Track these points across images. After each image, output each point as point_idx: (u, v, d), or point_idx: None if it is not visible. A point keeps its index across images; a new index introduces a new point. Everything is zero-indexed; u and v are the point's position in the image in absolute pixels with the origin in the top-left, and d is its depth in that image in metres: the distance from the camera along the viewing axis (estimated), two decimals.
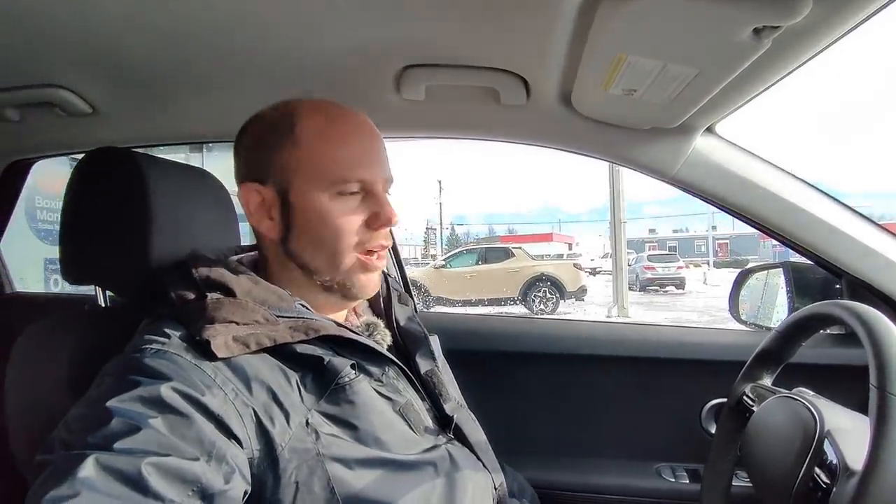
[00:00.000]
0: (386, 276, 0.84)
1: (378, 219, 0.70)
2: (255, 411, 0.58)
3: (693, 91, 0.75)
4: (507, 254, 12.35)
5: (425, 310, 1.25)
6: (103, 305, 0.83)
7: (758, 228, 1.00)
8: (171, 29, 0.79)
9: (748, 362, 0.85)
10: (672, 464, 1.11)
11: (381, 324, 0.79)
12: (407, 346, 0.80)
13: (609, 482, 1.10)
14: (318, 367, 0.64)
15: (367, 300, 0.83)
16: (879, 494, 0.51)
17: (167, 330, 0.62)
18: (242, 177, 0.72)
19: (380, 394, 0.68)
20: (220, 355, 0.58)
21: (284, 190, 0.69)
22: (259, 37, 0.82)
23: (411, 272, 13.51)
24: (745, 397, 0.83)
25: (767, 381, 0.85)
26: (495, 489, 0.74)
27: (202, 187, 0.86)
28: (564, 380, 1.20)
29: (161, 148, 1.28)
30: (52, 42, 0.87)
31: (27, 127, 1.12)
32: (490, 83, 0.88)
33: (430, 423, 0.72)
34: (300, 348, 0.64)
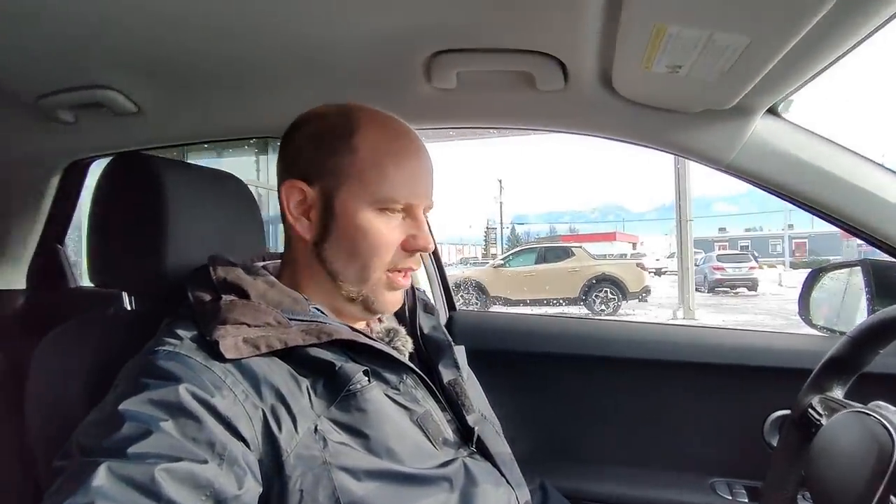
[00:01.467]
0: (413, 286, 0.83)
1: (414, 243, 0.70)
2: (264, 413, 0.58)
3: (746, 64, 0.66)
4: (567, 253, 12.11)
5: (476, 309, 1.20)
6: (128, 309, 0.84)
7: (832, 222, 0.88)
8: (208, 28, 0.80)
9: (816, 371, 0.76)
10: (729, 479, 1.02)
11: (402, 331, 0.78)
12: (430, 355, 0.78)
13: (658, 496, 1.02)
14: (329, 372, 0.63)
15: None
16: None
17: (180, 331, 0.62)
18: (287, 173, 0.71)
19: (396, 402, 0.66)
20: (228, 356, 0.58)
21: (330, 194, 0.69)
22: (291, 31, 0.81)
23: (470, 272, 13.50)
24: (811, 410, 0.74)
25: (838, 392, 0.75)
26: None
27: (225, 191, 0.86)
28: (612, 384, 1.13)
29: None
30: (99, 44, 0.90)
31: (81, 128, 1.16)
32: (525, 67, 0.83)
33: (450, 434, 0.70)
34: (313, 353, 0.63)
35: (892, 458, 0.55)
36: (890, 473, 0.55)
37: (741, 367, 1.04)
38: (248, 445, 0.55)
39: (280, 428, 0.57)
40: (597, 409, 1.14)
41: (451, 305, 1.26)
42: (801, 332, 1.11)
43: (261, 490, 0.55)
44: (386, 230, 0.69)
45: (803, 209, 0.89)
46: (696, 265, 13.66)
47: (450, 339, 0.80)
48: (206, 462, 0.51)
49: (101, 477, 0.47)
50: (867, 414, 0.63)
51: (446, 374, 0.75)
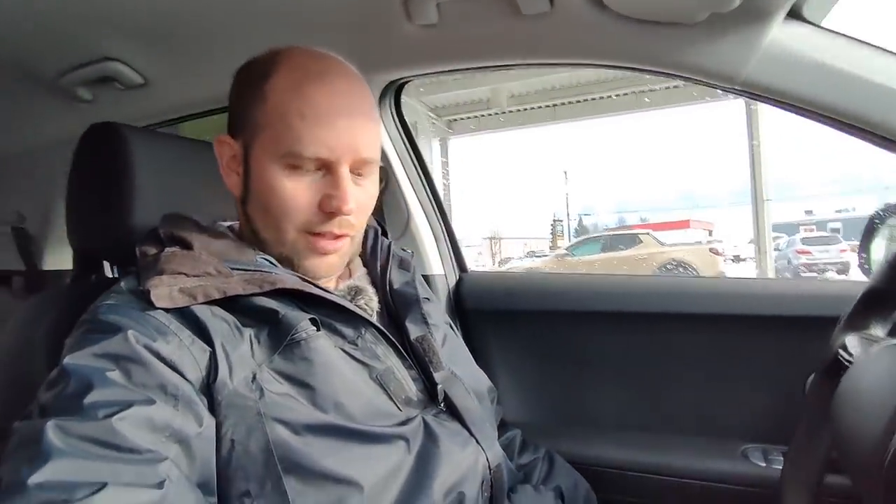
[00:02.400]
0: (390, 243, 0.82)
1: (328, 203, 0.64)
2: (210, 357, 0.57)
3: None
4: (634, 240, 11.67)
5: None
6: (110, 276, 0.86)
7: (872, 141, 0.76)
8: None
9: (852, 307, 0.65)
10: (764, 445, 0.90)
11: (369, 289, 0.75)
12: (398, 311, 0.75)
13: (683, 463, 0.92)
14: (273, 321, 0.60)
15: (364, 265, 0.79)
16: None
17: (123, 285, 0.62)
18: (227, 127, 0.70)
19: (354, 358, 0.64)
20: (159, 305, 0.57)
21: (248, 149, 0.66)
22: None
23: (531, 262, 13.34)
24: (841, 351, 0.63)
25: (878, 330, 0.63)
26: (489, 468, 0.67)
27: (201, 159, 0.85)
28: (633, 343, 1.04)
29: None
30: (102, 15, 0.93)
31: (98, 105, 1.21)
32: None
33: (413, 392, 0.67)
34: (258, 301, 0.61)
35: None
36: None
37: (778, 317, 0.92)
38: (195, 387, 0.55)
39: (216, 375, 0.56)
40: (616, 369, 1.05)
41: (461, 266, 1.20)
42: (853, 280, 0.97)
43: (209, 437, 0.54)
44: (295, 189, 0.64)
45: (835, 128, 0.76)
46: (777, 250, 12.79)
47: (421, 294, 0.77)
48: (158, 404, 0.51)
49: (53, 435, 0.46)
50: None
51: (413, 330, 0.72)
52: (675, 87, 8.77)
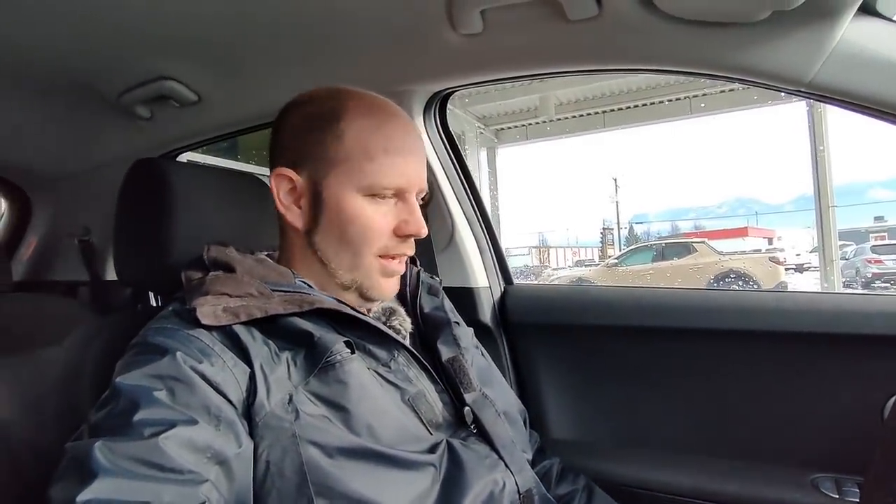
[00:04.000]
0: (419, 270, 0.85)
1: (406, 227, 0.70)
2: (249, 377, 0.59)
3: None
4: (687, 249, 11.25)
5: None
6: (154, 305, 0.89)
7: None
8: (247, 8, 0.84)
9: None
10: (837, 475, 0.83)
11: (401, 311, 0.78)
12: (429, 333, 0.78)
13: (746, 491, 0.85)
14: (309, 343, 0.63)
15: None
16: None
17: (171, 308, 0.65)
18: (276, 161, 0.72)
19: (387, 380, 0.66)
20: (204, 322, 0.59)
21: (318, 182, 0.69)
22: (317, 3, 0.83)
23: (580, 271, 13.09)
24: None
25: None
26: (519, 493, 0.68)
27: (240, 189, 0.90)
28: (689, 360, 0.98)
29: None
30: (158, 36, 0.97)
31: (156, 123, 1.26)
32: None
33: (444, 416, 0.69)
34: (295, 323, 0.63)
35: None
36: None
37: (852, 335, 0.84)
38: (237, 408, 0.57)
39: (255, 396, 0.58)
40: (668, 388, 0.99)
41: (507, 279, 1.17)
42: None
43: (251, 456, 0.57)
44: (376, 216, 0.69)
45: None
46: (845, 259, 12.06)
47: (451, 318, 0.80)
48: (201, 425, 0.53)
49: (101, 455, 0.49)
50: None
51: (445, 352, 0.74)
52: (731, 90, 8.46)
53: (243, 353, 0.60)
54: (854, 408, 0.83)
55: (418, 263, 0.86)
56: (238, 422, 0.56)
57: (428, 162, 1.12)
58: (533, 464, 0.80)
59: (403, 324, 0.76)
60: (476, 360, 0.81)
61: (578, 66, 0.86)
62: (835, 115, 8.32)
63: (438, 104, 1.10)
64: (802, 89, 0.72)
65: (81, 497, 0.46)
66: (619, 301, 1.07)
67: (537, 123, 11.05)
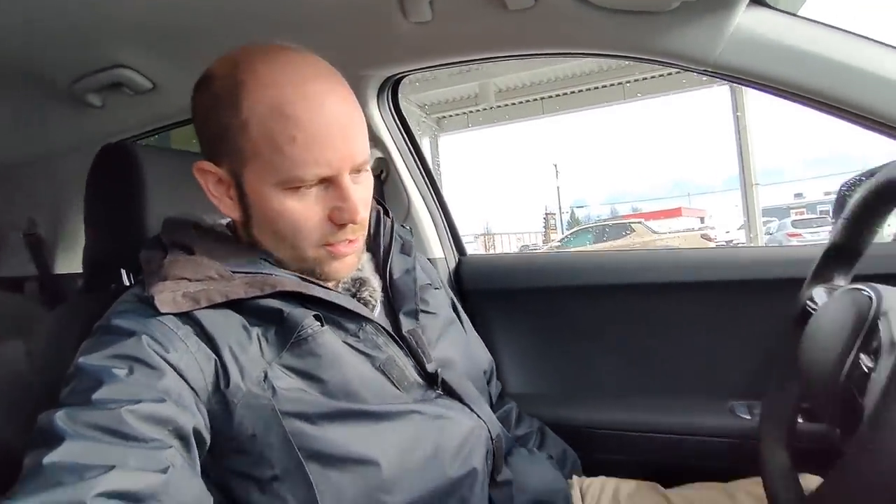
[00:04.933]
0: (393, 225, 0.82)
1: (340, 216, 0.63)
2: (216, 364, 0.59)
3: None
4: (626, 229, 11.76)
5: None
6: (127, 284, 0.92)
7: (834, 114, 0.82)
8: None
9: (817, 262, 0.72)
10: (750, 401, 0.97)
11: (371, 279, 0.75)
12: (395, 301, 0.76)
13: (675, 421, 0.99)
14: (278, 320, 0.62)
15: (368, 250, 0.79)
16: None
17: (133, 292, 0.64)
18: (201, 150, 0.67)
19: (357, 350, 0.66)
20: (163, 310, 0.58)
21: (238, 175, 0.64)
22: None
23: None
24: (808, 302, 0.70)
25: (842, 281, 0.70)
26: (491, 439, 0.72)
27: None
28: (623, 313, 1.11)
29: None
30: (114, 23, 0.98)
31: (108, 111, 1.26)
32: None
33: (415, 378, 0.70)
34: (261, 302, 0.62)
35: (868, 317, 0.52)
36: (864, 331, 0.51)
37: (758, 281, 0.99)
38: (198, 395, 0.57)
39: (228, 379, 0.58)
40: (609, 339, 1.12)
41: (460, 250, 1.27)
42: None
43: (209, 436, 0.57)
44: (302, 210, 0.63)
45: (801, 104, 0.83)
46: (769, 234, 12.91)
47: (421, 282, 0.79)
48: (162, 403, 0.53)
49: (63, 422, 0.49)
50: (857, 289, 0.59)
51: (405, 324, 0.73)
52: (660, 75, 8.85)
53: (208, 339, 0.59)
54: (761, 343, 0.97)
55: (390, 214, 0.83)
56: (196, 409, 0.56)
57: (383, 142, 1.19)
58: (495, 409, 0.85)
59: (374, 294, 0.74)
60: (449, 321, 0.82)
61: (518, 52, 0.95)
62: (758, 102, 8.87)
63: (391, 88, 1.17)
64: (709, 69, 0.84)
65: (48, 459, 0.46)
66: (560, 264, 1.20)
67: (478, 111, 11.18)
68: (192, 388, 0.56)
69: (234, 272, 0.63)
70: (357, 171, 0.64)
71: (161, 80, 1.16)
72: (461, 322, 0.88)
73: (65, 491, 0.45)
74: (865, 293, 0.55)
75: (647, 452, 0.99)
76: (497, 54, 0.98)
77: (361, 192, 0.65)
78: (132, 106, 1.24)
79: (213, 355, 0.58)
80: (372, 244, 0.79)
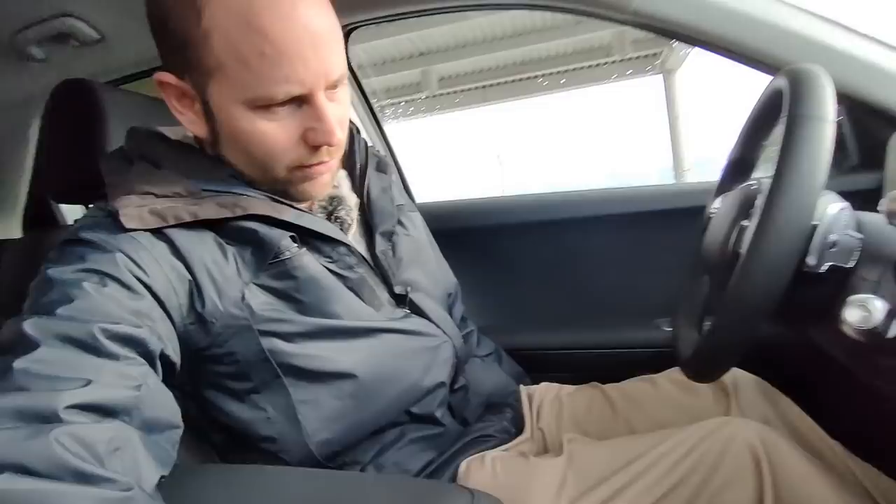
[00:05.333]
0: (367, 144, 0.82)
1: (314, 137, 0.60)
2: (190, 284, 0.58)
3: None
4: None
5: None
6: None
7: (739, 60, 0.95)
8: None
9: (719, 177, 0.83)
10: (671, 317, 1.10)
11: (347, 198, 0.74)
12: (372, 219, 0.76)
13: (608, 338, 1.12)
14: (254, 240, 0.61)
15: (343, 167, 0.79)
16: (786, 209, 0.51)
17: (98, 205, 0.62)
18: (161, 60, 0.63)
19: (331, 271, 0.66)
20: (129, 226, 0.56)
21: (201, 90, 0.60)
22: None
23: None
24: (711, 210, 0.81)
25: None
26: (456, 355, 0.78)
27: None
28: (561, 247, 1.24)
29: None
30: None
31: (51, 64, 1.23)
32: None
33: (385, 297, 0.72)
34: (235, 223, 0.61)
35: (753, 197, 0.62)
36: (747, 204, 0.62)
37: (676, 210, 1.13)
38: (171, 316, 0.56)
39: (205, 301, 0.58)
40: (547, 270, 1.25)
41: (410, 197, 1.34)
42: None
43: (177, 362, 0.57)
44: (273, 131, 0.59)
45: (709, 50, 0.95)
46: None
47: (397, 202, 0.81)
48: (136, 324, 0.52)
49: (34, 329, 0.47)
50: (749, 184, 0.70)
51: (379, 244, 0.74)
52: (597, 64, 9.12)
53: (182, 259, 0.58)
54: (682, 266, 1.10)
55: (362, 132, 0.83)
56: (162, 333, 0.55)
57: None
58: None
59: (350, 213, 0.73)
60: (421, 241, 0.84)
61: (462, 2, 1.03)
62: (686, 91, 9.31)
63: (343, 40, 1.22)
64: (629, 17, 0.95)
65: (19, 364, 0.45)
66: (503, 206, 1.32)
67: (421, 99, 11.18)
68: (167, 311, 0.56)
69: (203, 190, 0.62)
70: (332, 87, 0.61)
71: (109, 31, 1.15)
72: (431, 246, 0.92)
73: (36, 397, 0.44)
74: (753, 186, 0.66)
75: (588, 367, 1.09)
76: (443, 5, 1.05)
77: (338, 110, 0.61)
78: (77, 59, 1.22)
79: (188, 275, 0.58)
80: (347, 162, 0.78)
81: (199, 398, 0.64)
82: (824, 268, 0.54)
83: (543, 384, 0.96)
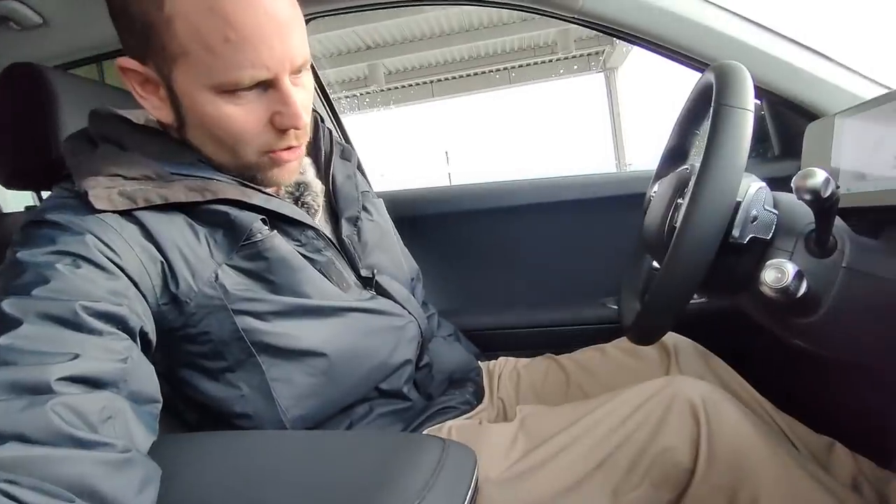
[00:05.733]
0: (331, 131, 0.84)
1: (281, 121, 0.61)
2: (163, 266, 0.59)
3: None
4: None
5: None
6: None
7: (677, 59, 1.03)
8: None
9: (657, 165, 0.91)
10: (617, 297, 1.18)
11: (313, 184, 0.76)
12: (338, 205, 0.78)
13: (559, 316, 1.19)
14: (226, 222, 0.62)
15: (308, 155, 0.81)
16: (713, 188, 0.58)
17: (63, 186, 0.61)
18: (123, 45, 0.62)
19: (300, 254, 0.68)
20: (98, 206, 0.56)
21: (166, 76, 0.60)
22: None
23: None
24: (651, 195, 0.88)
25: None
26: (421, 334, 0.81)
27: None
28: (517, 231, 1.30)
29: None
30: None
31: None
32: None
33: (353, 280, 0.75)
34: (205, 206, 0.62)
35: (688, 179, 0.70)
36: (682, 185, 0.69)
37: (622, 196, 1.21)
38: (145, 297, 0.57)
39: (178, 282, 0.59)
40: (502, 255, 1.31)
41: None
42: None
43: (154, 338, 0.58)
44: (240, 115, 0.60)
45: (647, 48, 1.03)
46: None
47: (361, 189, 0.82)
48: (112, 301, 0.52)
49: (12, 308, 0.47)
50: (685, 168, 0.77)
51: (345, 229, 0.76)
52: (543, 62, 9.31)
53: (153, 240, 0.58)
54: (627, 249, 1.18)
55: (325, 121, 0.84)
56: (140, 311, 0.55)
57: None
58: None
59: (316, 199, 0.75)
60: (384, 227, 0.86)
61: None
62: (627, 87, 9.66)
63: None
64: (577, 16, 1.01)
65: (2, 341, 0.45)
66: (459, 194, 1.36)
67: (368, 93, 11.10)
68: (140, 292, 0.57)
69: (172, 173, 0.62)
70: (297, 72, 0.62)
71: (51, 15, 1.11)
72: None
73: (26, 371, 0.44)
74: (687, 169, 0.74)
75: (543, 344, 1.14)
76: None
77: (302, 95, 0.63)
78: (16, 44, 1.17)
79: (160, 257, 0.58)
80: (312, 149, 0.81)
81: (173, 378, 0.65)
82: (747, 239, 0.62)
83: (502, 358, 1.01)
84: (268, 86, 0.60)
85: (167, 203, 0.59)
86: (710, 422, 0.62)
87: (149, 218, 0.58)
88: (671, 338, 0.91)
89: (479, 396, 0.89)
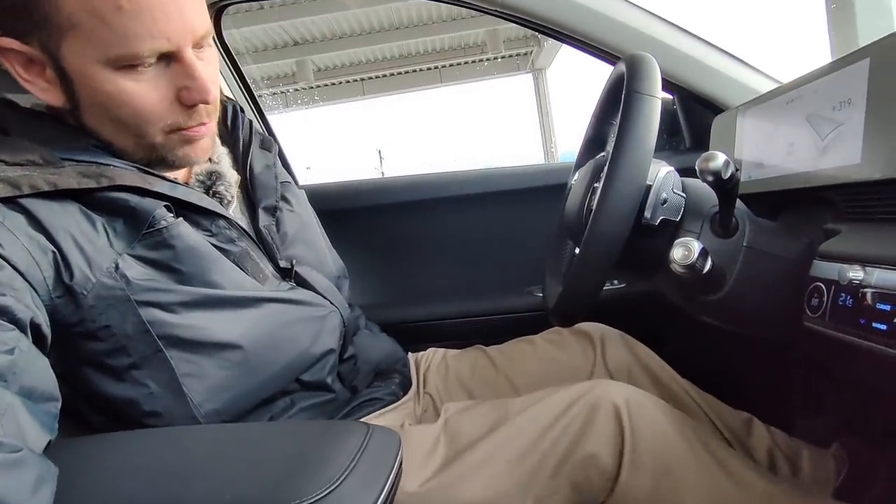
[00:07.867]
0: (250, 121, 0.82)
1: (189, 96, 0.58)
2: (55, 256, 0.54)
3: None
4: None
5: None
6: None
7: (586, 50, 1.07)
8: None
9: (577, 155, 0.94)
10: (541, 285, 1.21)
11: (227, 174, 0.73)
12: (255, 195, 0.76)
13: (485, 306, 1.22)
14: (126, 210, 0.58)
15: (224, 144, 0.77)
16: (625, 169, 0.60)
17: None
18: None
19: (211, 244, 0.65)
20: None
21: (54, 54, 0.55)
22: None
23: None
24: (572, 183, 0.91)
25: None
26: (344, 324, 0.79)
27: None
28: (436, 224, 1.31)
29: None
30: None
31: None
32: None
33: (271, 270, 0.72)
34: (102, 194, 0.57)
35: (603, 165, 0.72)
36: (598, 172, 0.72)
37: (544, 187, 1.24)
38: (35, 289, 0.53)
39: (72, 272, 0.55)
40: (427, 247, 1.32)
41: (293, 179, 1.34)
42: None
43: (49, 332, 0.54)
44: (142, 92, 0.56)
45: (563, 40, 1.07)
46: None
47: (281, 179, 0.80)
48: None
49: None
50: (602, 156, 0.80)
51: (263, 219, 0.74)
52: (473, 61, 9.43)
53: (42, 229, 0.54)
54: (550, 239, 1.21)
55: (244, 110, 0.81)
56: (30, 302, 0.51)
57: None
58: None
59: (230, 189, 0.71)
60: (306, 219, 0.83)
61: None
62: (555, 87, 9.96)
63: (214, 16, 1.18)
64: (498, 9, 1.03)
65: None
66: (381, 187, 1.36)
67: (297, 90, 10.83)
68: (29, 283, 0.52)
69: (63, 159, 0.57)
70: (199, 46, 0.59)
71: None
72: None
73: None
74: (603, 156, 0.77)
75: (472, 335, 1.17)
76: None
77: (209, 69, 0.60)
78: None
79: (51, 247, 0.54)
80: (229, 138, 0.78)
81: (72, 379, 0.60)
82: (658, 221, 0.65)
83: (430, 349, 1.00)
84: (170, 59, 0.57)
85: (58, 190, 0.55)
86: (634, 427, 0.63)
87: (37, 206, 0.54)
88: (597, 329, 0.93)
89: (405, 387, 0.88)
